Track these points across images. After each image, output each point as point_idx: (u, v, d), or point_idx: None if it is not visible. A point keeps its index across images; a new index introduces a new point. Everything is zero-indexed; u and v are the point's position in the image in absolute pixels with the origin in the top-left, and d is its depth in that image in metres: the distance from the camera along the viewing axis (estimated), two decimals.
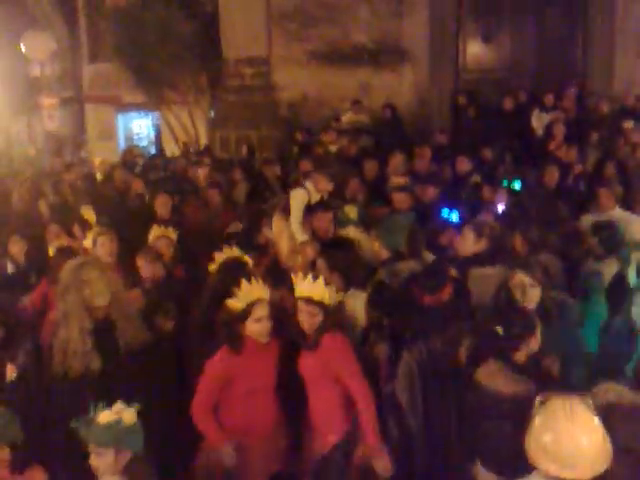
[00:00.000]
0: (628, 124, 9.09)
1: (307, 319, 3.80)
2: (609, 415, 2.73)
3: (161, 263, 5.27)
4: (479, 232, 5.21)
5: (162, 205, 7.00)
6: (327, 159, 8.72)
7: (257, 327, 3.76)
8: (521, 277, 4.21)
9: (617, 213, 6.29)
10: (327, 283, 3.83)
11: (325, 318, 3.77)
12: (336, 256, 4.65)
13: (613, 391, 3.06)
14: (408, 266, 4.98)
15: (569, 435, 2.48)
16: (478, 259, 5.07)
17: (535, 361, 3.62)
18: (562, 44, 11.64)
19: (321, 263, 4.56)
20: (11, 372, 4.00)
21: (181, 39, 12.17)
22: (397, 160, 7.77)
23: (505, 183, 7.41)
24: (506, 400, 3.37)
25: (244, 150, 10.93)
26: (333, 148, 9.66)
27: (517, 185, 7.52)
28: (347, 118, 10.72)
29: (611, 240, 5.43)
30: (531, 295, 4.17)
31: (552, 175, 7.36)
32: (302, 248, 5.42)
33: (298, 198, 6.59)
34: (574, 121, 9.56)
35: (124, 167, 9.82)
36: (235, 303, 3.76)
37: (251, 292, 3.76)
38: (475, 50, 11.85)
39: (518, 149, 9.30)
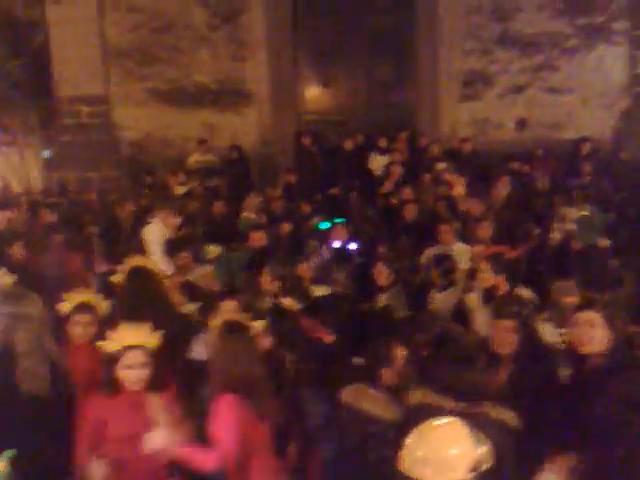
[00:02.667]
0: (440, 166, 9.56)
1: None
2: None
3: None
4: None
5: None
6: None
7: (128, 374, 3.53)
8: None
9: (456, 246, 6.90)
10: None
11: None
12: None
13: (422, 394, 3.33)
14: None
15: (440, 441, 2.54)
16: None
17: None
18: (390, 88, 12.32)
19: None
20: None
21: (7, 77, 11.54)
22: (253, 200, 7.96)
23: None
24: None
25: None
26: (182, 189, 9.61)
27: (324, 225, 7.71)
28: (194, 158, 10.73)
29: (450, 271, 5.95)
30: None
31: (410, 211, 7.91)
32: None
33: (154, 233, 6.55)
34: (408, 162, 10.22)
35: None
36: (109, 345, 3.55)
37: (126, 336, 3.54)
38: (314, 93, 12.31)
39: (360, 188, 9.80)
